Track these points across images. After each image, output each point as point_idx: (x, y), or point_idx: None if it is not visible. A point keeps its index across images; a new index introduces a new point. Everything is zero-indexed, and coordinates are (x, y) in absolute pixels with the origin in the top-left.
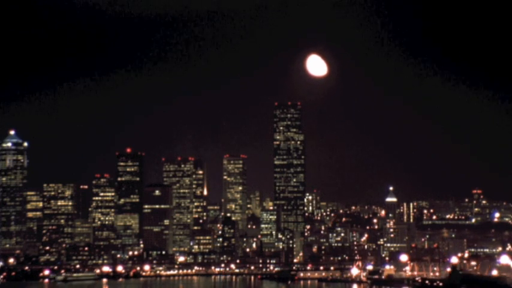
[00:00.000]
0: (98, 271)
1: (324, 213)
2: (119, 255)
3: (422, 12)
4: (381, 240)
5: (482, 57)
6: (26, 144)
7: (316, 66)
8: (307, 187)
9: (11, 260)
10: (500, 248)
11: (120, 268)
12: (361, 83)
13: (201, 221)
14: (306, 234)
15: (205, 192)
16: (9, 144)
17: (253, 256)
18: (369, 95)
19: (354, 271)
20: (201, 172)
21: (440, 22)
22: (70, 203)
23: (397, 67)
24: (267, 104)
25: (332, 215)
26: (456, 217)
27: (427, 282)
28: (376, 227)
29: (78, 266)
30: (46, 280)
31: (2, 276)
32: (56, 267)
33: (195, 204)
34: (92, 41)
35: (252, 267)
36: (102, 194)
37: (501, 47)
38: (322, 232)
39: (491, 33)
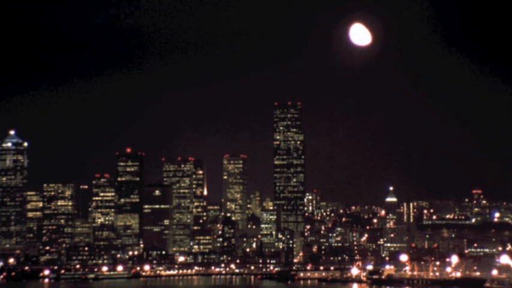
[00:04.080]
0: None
1: (324, 213)
2: (118, 255)
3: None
4: (381, 240)
5: (484, 54)
6: (26, 144)
7: (359, 35)
8: (307, 187)
9: (11, 260)
10: (500, 248)
11: (120, 268)
12: (364, 83)
13: (201, 221)
14: (306, 234)
15: (205, 192)
16: (9, 144)
17: (253, 256)
18: (370, 96)
19: (354, 271)
20: (201, 172)
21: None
22: (70, 203)
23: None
24: (267, 104)
25: (332, 215)
26: (456, 217)
27: None
28: (376, 227)
29: (78, 266)
30: (46, 280)
31: (2, 276)
32: (56, 267)
33: (195, 204)
34: (92, 41)
35: (252, 267)
36: (102, 194)
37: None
38: (322, 232)
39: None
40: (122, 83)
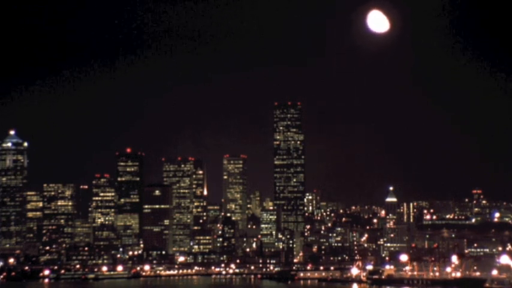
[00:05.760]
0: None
1: (324, 213)
2: (118, 255)
3: None
4: (381, 240)
5: (484, 54)
6: (26, 144)
7: (377, 21)
8: (307, 187)
9: (11, 260)
10: (500, 248)
11: (120, 268)
12: (362, 83)
13: (201, 221)
14: (306, 234)
15: (205, 192)
16: (9, 144)
17: (253, 256)
18: (371, 95)
19: (354, 271)
20: (201, 172)
21: None
22: (70, 203)
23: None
24: (267, 104)
25: (332, 215)
26: (456, 217)
27: None
28: (376, 227)
29: (78, 266)
30: (46, 280)
31: (2, 276)
32: (56, 267)
33: (195, 204)
34: (92, 41)
35: (252, 267)
36: (102, 194)
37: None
38: (322, 232)
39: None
40: (122, 82)
